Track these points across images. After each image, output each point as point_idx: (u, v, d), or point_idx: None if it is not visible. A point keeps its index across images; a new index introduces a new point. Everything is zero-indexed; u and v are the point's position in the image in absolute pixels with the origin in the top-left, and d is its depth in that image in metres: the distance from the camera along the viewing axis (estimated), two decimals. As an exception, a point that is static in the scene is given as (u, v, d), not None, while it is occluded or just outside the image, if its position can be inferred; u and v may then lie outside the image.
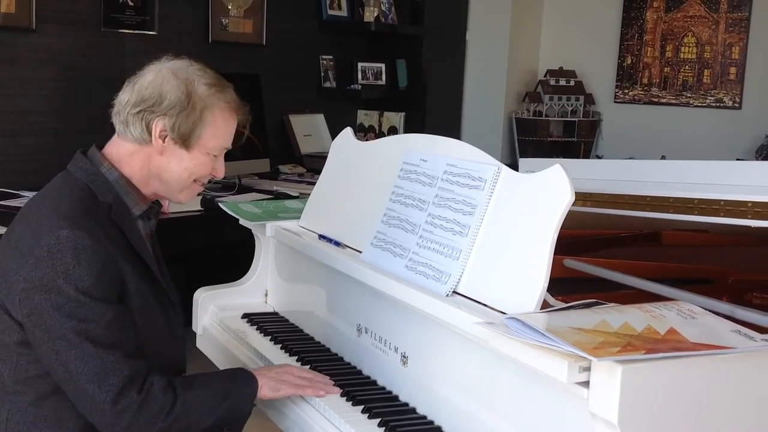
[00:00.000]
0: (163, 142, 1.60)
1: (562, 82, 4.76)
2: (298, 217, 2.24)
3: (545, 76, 4.84)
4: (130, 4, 3.42)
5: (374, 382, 1.80)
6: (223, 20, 3.84)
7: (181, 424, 1.53)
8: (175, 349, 1.69)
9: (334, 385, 1.74)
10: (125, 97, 1.61)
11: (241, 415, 1.63)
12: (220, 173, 1.71)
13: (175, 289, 1.74)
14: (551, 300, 1.56)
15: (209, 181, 1.77)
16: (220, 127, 1.64)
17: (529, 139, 4.70)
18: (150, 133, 1.59)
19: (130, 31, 3.41)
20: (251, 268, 2.34)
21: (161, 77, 1.60)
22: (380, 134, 4.50)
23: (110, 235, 1.54)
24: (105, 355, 1.47)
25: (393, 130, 4.48)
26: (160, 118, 1.58)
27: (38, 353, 1.49)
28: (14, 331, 1.51)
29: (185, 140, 1.60)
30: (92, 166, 1.60)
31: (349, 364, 1.90)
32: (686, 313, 1.42)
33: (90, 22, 3.30)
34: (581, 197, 1.69)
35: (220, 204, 2.41)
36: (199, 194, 3.12)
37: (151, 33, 3.48)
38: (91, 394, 1.46)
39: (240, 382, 1.64)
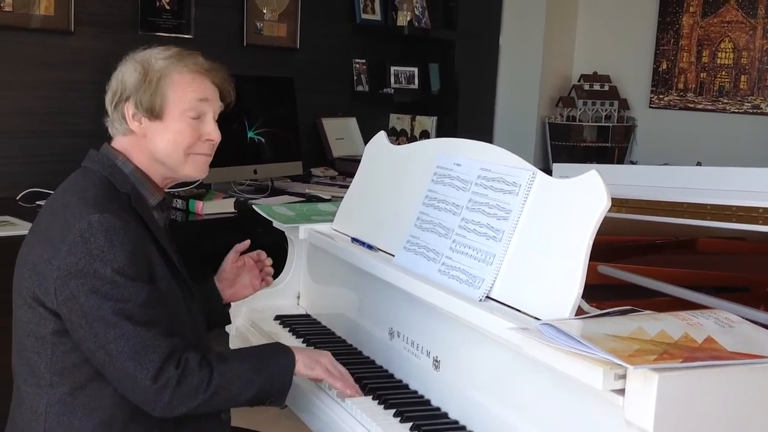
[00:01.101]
0: (140, 123, 1.64)
1: (597, 87, 4.72)
2: (331, 220, 2.25)
3: (579, 80, 4.81)
4: (167, 7, 3.45)
5: (406, 386, 1.80)
6: (258, 24, 3.86)
7: (222, 396, 1.55)
8: (199, 335, 1.71)
9: (366, 388, 1.74)
10: (106, 99, 1.68)
11: (280, 386, 1.63)
12: (214, 135, 1.69)
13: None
14: (586, 306, 1.54)
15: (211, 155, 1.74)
16: (183, 89, 1.64)
17: (563, 144, 4.66)
18: (127, 121, 1.64)
19: (166, 35, 3.44)
20: (284, 270, 2.35)
21: (123, 68, 1.66)
22: (412, 138, 4.50)
23: (135, 221, 1.58)
24: (144, 333, 1.50)
25: (425, 134, 4.47)
26: (128, 103, 1.63)
27: (76, 339, 1.52)
28: (49, 321, 1.54)
29: (153, 113, 1.63)
30: (108, 160, 1.64)
31: (380, 367, 1.90)
32: (723, 322, 1.41)
33: (127, 25, 3.34)
34: (616, 203, 1.67)
35: (253, 206, 2.43)
36: (228, 196, 3.16)
37: (186, 36, 3.51)
38: (132, 372, 1.49)
39: (276, 354, 1.66)
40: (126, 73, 1.65)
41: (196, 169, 1.70)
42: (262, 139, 3.51)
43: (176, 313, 1.61)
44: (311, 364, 1.68)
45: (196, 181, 3.20)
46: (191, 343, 1.61)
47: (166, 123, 1.64)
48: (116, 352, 1.49)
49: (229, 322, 2.13)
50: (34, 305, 1.55)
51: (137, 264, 1.52)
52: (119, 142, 1.67)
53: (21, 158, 3.07)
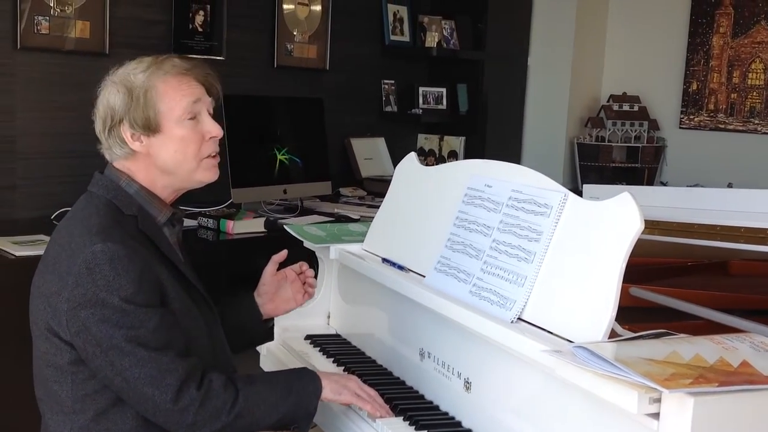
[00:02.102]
0: (141, 142, 1.63)
1: (626, 108, 4.70)
2: (362, 241, 2.26)
3: (608, 101, 4.79)
4: (200, 30, 3.51)
5: (437, 407, 1.80)
6: (288, 46, 3.90)
7: (246, 420, 1.56)
8: (219, 351, 1.71)
9: (396, 409, 1.74)
10: (96, 128, 1.67)
11: (305, 413, 1.64)
12: (215, 131, 1.68)
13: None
14: (619, 329, 1.54)
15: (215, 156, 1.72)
16: (171, 96, 1.63)
17: (591, 165, 4.65)
18: (127, 143, 1.63)
19: (199, 57, 3.48)
20: (314, 290, 2.36)
21: (105, 93, 1.65)
22: (440, 158, 4.51)
23: (142, 244, 1.58)
24: (159, 357, 1.50)
25: (453, 155, 4.48)
26: (122, 125, 1.62)
27: (93, 368, 1.53)
28: (65, 352, 1.55)
29: (150, 127, 1.62)
30: (111, 182, 1.64)
31: (411, 388, 1.90)
32: (759, 346, 1.39)
33: (160, 47, 3.38)
34: (648, 225, 1.66)
35: (285, 226, 2.44)
36: (258, 215, 3.18)
37: (219, 58, 3.56)
38: (151, 397, 1.50)
39: (303, 379, 1.66)
40: (110, 97, 1.63)
41: (208, 173, 1.69)
42: (293, 159, 3.54)
43: (192, 331, 1.61)
44: (339, 389, 1.68)
45: (228, 202, 3.23)
46: (208, 360, 1.61)
47: (166, 134, 1.63)
48: (133, 378, 1.50)
49: (271, 338, 2.09)
50: (50, 336, 1.56)
51: (145, 290, 1.52)
52: (121, 164, 1.66)
53: (56, 178, 3.12)
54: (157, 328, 1.51)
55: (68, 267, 1.52)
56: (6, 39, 2.93)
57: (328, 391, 1.66)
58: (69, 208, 2.92)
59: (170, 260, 1.63)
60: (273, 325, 2.02)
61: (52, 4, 3.02)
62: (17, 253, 2.41)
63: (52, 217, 2.97)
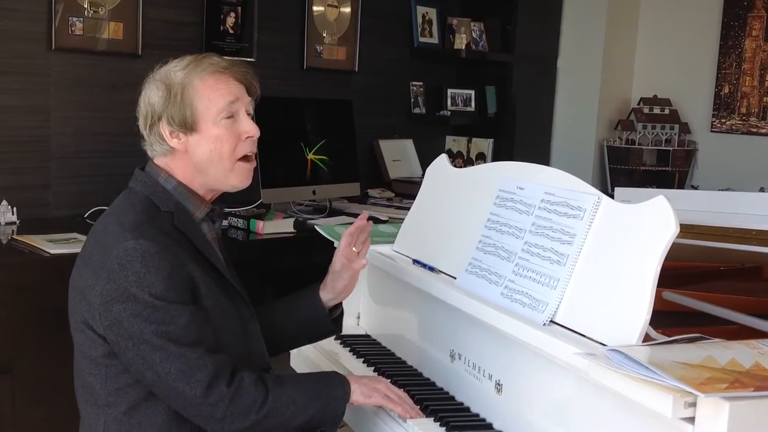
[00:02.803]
0: (179, 140, 1.65)
1: (657, 111, 4.67)
2: (392, 242, 2.27)
3: (639, 103, 4.76)
4: (231, 31, 3.53)
5: (467, 409, 1.80)
6: (318, 47, 3.92)
7: (274, 420, 1.57)
8: (255, 346, 1.73)
9: (427, 409, 1.74)
10: (139, 125, 1.69)
11: (333, 415, 1.65)
12: (253, 131, 1.67)
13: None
14: (653, 333, 1.53)
15: (251, 158, 1.71)
16: (208, 94, 1.63)
17: (621, 168, 4.62)
18: (166, 141, 1.65)
19: (230, 58, 3.50)
20: (344, 290, 2.36)
21: (146, 90, 1.68)
22: (468, 160, 4.50)
23: (176, 241, 1.59)
24: (188, 353, 1.52)
25: (481, 157, 4.47)
26: (161, 123, 1.64)
27: (125, 361, 1.55)
28: (99, 345, 1.57)
29: (187, 125, 1.63)
30: (150, 178, 1.66)
31: (441, 389, 1.90)
32: (796, 351, 1.38)
33: (192, 48, 3.38)
34: (682, 229, 1.65)
35: (316, 227, 2.45)
36: (287, 216, 3.20)
37: (249, 59, 3.58)
38: (181, 391, 1.52)
39: (332, 383, 1.67)
40: (150, 95, 1.66)
41: (241, 178, 1.69)
42: (322, 160, 3.56)
43: (224, 328, 1.62)
44: (368, 392, 1.69)
45: (257, 202, 3.25)
46: (242, 357, 1.63)
47: (203, 132, 1.64)
48: (164, 372, 1.51)
49: (339, 330, 2.00)
50: (85, 329, 1.59)
51: (175, 286, 1.53)
52: (161, 160, 1.68)
53: (88, 177, 3.15)
54: (188, 325, 1.53)
55: (102, 262, 1.54)
56: (41, 40, 2.97)
57: (358, 395, 1.67)
58: (102, 207, 2.97)
59: (205, 257, 1.64)
60: (339, 314, 1.96)
61: (85, 6, 3.06)
62: (52, 251, 2.44)
63: (86, 215, 3.01)
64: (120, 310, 1.51)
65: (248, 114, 1.69)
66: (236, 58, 3.44)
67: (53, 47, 2.99)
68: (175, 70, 1.66)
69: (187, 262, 1.58)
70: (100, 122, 3.17)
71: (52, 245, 2.48)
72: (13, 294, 2.32)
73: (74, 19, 3.04)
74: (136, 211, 1.61)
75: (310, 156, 3.50)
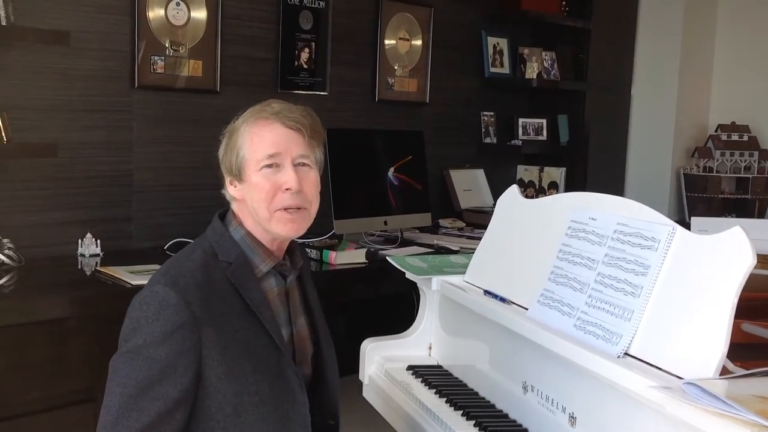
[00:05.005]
0: (235, 187, 1.65)
1: (735, 137, 4.57)
2: (463, 272, 2.27)
3: (716, 130, 4.67)
4: (305, 66, 3.61)
5: (541, 442, 1.79)
6: (390, 80, 3.98)
7: None
8: (293, 418, 1.59)
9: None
10: None
11: None
12: (290, 183, 1.59)
13: (330, 341, 1.75)
14: (730, 366, 1.50)
15: (291, 208, 1.63)
16: (252, 142, 1.61)
17: (699, 196, 4.52)
18: (228, 189, 1.67)
19: (304, 92, 3.59)
20: (416, 320, 2.38)
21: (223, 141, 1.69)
22: (540, 189, 4.48)
23: (224, 293, 1.55)
24: (131, 407, 1.46)
25: (553, 186, 4.44)
26: (223, 170, 1.67)
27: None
28: None
29: (236, 172, 1.63)
30: (222, 226, 1.65)
31: (514, 421, 1.89)
32: None
33: (268, 84, 3.51)
34: (761, 259, 1.62)
35: (387, 258, 2.48)
36: (359, 246, 3.23)
37: (322, 93, 3.66)
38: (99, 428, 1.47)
39: None
40: (222, 142, 1.69)
41: (281, 227, 1.61)
42: (395, 189, 3.59)
43: (244, 395, 1.52)
44: None
45: (330, 233, 3.30)
46: (268, 428, 1.54)
47: (248, 181, 1.61)
48: (106, 401, 1.49)
49: None
50: None
51: (171, 345, 1.46)
52: (235, 207, 1.68)
53: (169, 210, 3.26)
54: (143, 392, 1.46)
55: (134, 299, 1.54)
56: (124, 79, 3.09)
57: None
58: (181, 239, 3.07)
59: (255, 314, 1.56)
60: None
61: (167, 45, 3.18)
62: (133, 282, 2.52)
63: (165, 247, 3.10)
64: (117, 355, 1.51)
65: (301, 164, 1.63)
66: (303, 92, 3.52)
67: (136, 85, 3.12)
68: (238, 117, 1.67)
69: (231, 317, 1.52)
70: (179, 157, 3.27)
71: (133, 276, 2.56)
72: (97, 324, 2.40)
73: (156, 57, 3.16)
74: (189, 259, 1.58)
75: (383, 185, 3.53)
